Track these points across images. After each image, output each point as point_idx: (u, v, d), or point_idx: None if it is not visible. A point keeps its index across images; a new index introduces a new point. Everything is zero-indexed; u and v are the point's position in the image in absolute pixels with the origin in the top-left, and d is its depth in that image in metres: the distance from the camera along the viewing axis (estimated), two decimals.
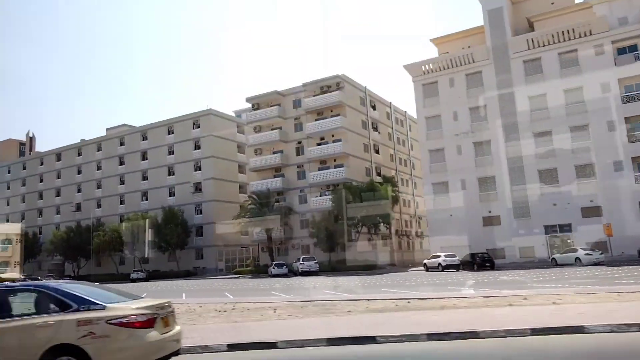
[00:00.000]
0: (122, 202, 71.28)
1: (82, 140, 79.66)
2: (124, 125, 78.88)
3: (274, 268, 47.01)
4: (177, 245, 59.37)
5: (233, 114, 74.80)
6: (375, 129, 60.94)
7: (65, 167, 77.97)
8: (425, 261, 42.05)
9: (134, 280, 56.16)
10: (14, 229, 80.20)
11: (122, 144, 72.50)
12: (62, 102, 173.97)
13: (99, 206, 73.61)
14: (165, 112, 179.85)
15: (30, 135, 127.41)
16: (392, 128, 65.74)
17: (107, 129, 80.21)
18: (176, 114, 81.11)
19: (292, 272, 47.13)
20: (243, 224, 54.69)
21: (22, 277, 54.53)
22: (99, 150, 74.78)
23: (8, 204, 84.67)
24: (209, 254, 62.23)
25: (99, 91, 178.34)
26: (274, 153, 58.90)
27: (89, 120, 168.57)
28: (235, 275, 53.19)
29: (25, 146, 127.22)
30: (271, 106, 59.42)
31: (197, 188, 64.33)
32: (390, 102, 66.27)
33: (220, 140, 65.36)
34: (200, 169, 64.77)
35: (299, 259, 46.34)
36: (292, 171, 57.85)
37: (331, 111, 55.69)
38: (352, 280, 34.04)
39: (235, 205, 64.09)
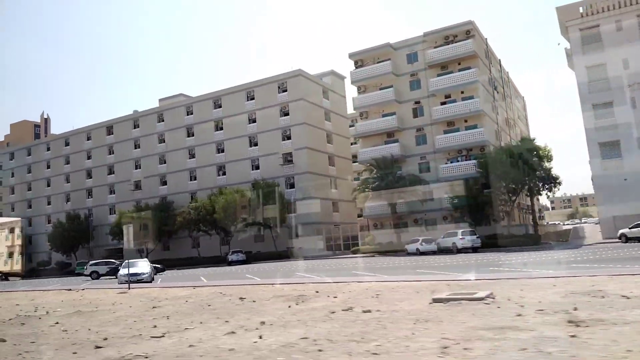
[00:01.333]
0: (193, 178, 63.40)
1: (135, 111, 71.50)
2: (180, 95, 70.75)
3: (421, 244, 39.69)
4: (275, 223, 51.92)
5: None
6: (495, 88, 53.60)
7: (119, 141, 69.79)
8: (624, 231, 34.91)
9: (230, 263, 48.78)
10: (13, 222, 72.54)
11: (189, 112, 64.44)
12: (110, 75, 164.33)
13: (164, 183, 65.67)
14: (220, 81, 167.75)
15: (45, 116, 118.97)
16: (503, 86, 58.36)
17: (160, 100, 72.12)
18: (230, 83, 72.13)
19: (441, 250, 39.78)
20: (360, 198, 47.31)
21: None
22: (160, 121, 66.64)
23: (49, 185, 76.46)
24: (306, 233, 54.77)
25: (150, 61, 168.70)
26: (383, 116, 51.35)
27: (141, 92, 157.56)
28: (355, 255, 45.94)
29: (40, 128, 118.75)
30: (378, 62, 51.77)
31: (287, 159, 56.68)
32: (500, 60, 58.88)
33: (310, 106, 57.61)
34: (289, 138, 57.07)
35: (455, 233, 38.95)
36: (409, 136, 50.36)
37: (459, 64, 48.16)
38: (558, 255, 27.01)
39: (325, 178, 56.83)
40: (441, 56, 48.06)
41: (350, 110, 69.52)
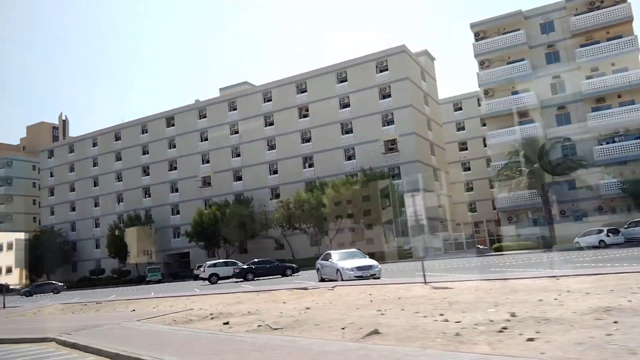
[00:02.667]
0: (273, 172, 56.65)
1: (197, 100, 64.86)
2: (245, 83, 64.29)
3: (607, 236, 33.11)
4: (384, 220, 45.33)
5: None
6: None
7: (181, 133, 62.96)
8: None
9: None
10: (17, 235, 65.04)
11: (267, 99, 57.85)
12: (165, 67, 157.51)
13: (238, 179, 58.84)
14: (287, 70, 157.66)
15: (64, 118, 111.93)
16: None
17: (221, 89, 65.58)
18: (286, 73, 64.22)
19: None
20: (502, 187, 40.91)
21: None
22: (232, 110, 59.96)
23: (96, 184, 69.32)
24: (418, 231, 48.07)
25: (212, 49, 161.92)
26: (513, 94, 45.15)
27: (203, 82, 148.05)
28: (502, 252, 39.34)
29: (59, 130, 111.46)
30: (504, 33, 45.68)
31: (389, 147, 50.22)
32: None
33: (413, 88, 51.33)
34: (390, 123, 50.67)
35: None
36: (548, 115, 44.11)
37: (607, 33, 42.15)
38: None
39: (428, 168, 50.45)
40: (588, 23, 42.03)
41: (442, 94, 63.58)
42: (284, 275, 33.04)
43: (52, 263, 65.43)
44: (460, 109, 66.73)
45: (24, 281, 73.97)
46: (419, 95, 52.79)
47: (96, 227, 68.42)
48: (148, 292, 31.92)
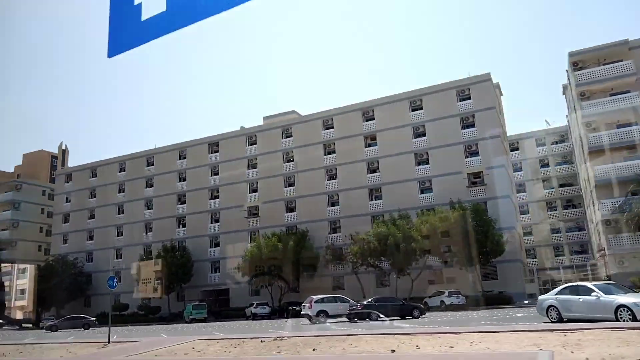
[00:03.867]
0: (333, 204, 51.60)
1: (242, 127, 60.26)
2: (293, 112, 60.33)
3: None
4: (487, 258, 40.37)
5: None
6: None
7: (226, 160, 57.86)
8: None
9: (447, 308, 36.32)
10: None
11: (327, 127, 53.60)
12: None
13: (290, 210, 53.49)
14: (326, 102, 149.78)
15: (63, 147, 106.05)
16: None
17: (265, 118, 61.34)
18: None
19: None
20: (624, 224, 36.62)
21: None
22: (287, 137, 55.38)
23: (121, 212, 62.93)
24: (511, 273, 43.20)
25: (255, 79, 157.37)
26: (619, 127, 41.78)
27: (244, 110, 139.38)
28: None
29: (57, 159, 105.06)
30: (605, 64, 42.91)
31: (472, 181, 46.00)
32: None
33: (496, 118, 47.83)
34: (474, 155, 46.72)
35: None
36: None
37: None
38: None
39: (513, 203, 46.24)
40: None
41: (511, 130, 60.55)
42: (410, 316, 27.39)
43: (63, 296, 57.90)
44: (517, 149, 64.05)
45: (27, 315, 65.54)
46: (500, 127, 49.26)
47: (117, 257, 61.41)
48: (225, 329, 25.96)
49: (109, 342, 19.25)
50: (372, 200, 49.72)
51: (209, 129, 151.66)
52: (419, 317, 27.06)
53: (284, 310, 42.60)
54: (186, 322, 45.82)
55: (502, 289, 42.02)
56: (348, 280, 48.14)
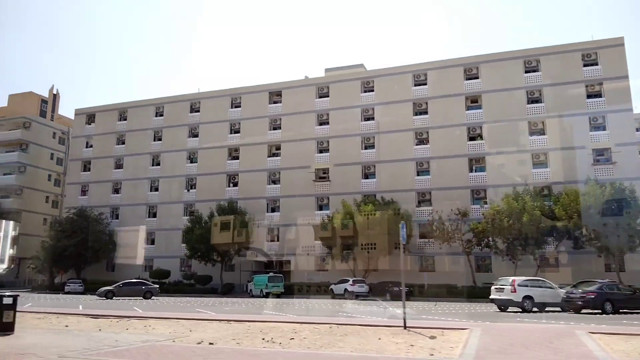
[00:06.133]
0: (422, 172, 44.93)
1: (306, 77, 52.62)
2: (361, 65, 52.87)
3: None
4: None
5: None
6: None
7: (289, 112, 50.23)
8: None
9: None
10: None
11: (419, 83, 46.56)
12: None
13: (368, 176, 46.59)
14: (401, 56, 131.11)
15: (55, 92, 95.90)
16: None
17: (327, 70, 53.79)
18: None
19: None
20: None
21: None
22: (367, 91, 48.05)
23: (157, 162, 54.78)
24: None
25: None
26: None
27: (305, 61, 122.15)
28: None
29: (48, 104, 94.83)
30: None
31: (596, 158, 40.09)
32: None
33: (626, 88, 41.74)
34: (599, 129, 40.72)
35: None
36: None
37: None
38: None
39: None
40: None
41: None
42: None
43: (84, 257, 49.92)
44: None
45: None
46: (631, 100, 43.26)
47: (150, 216, 53.41)
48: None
49: (405, 326, 12.58)
50: (472, 172, 43.31)
51: (264, 76, 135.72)
52: None
53: (385, 289, 36.07)
54: (253, 296, 38.89)
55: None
56: (438, 261, 42.06)
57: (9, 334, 11.39)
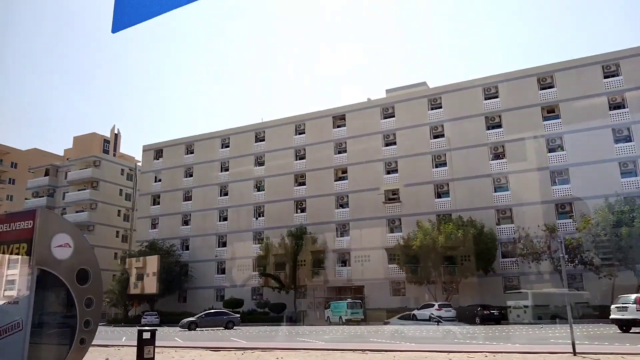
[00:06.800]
0: (497, 189, 43.01)
1: (369, 99, 52.11)
2: (423, 84, 51.76)
3: None
4: None
5: None
6: None
7: (354, 135, 49.68)
8: None
9: None
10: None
11: (489, 96, 45.07)
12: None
13: (441, 195, 45.04)
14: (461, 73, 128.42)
15: (116, 131, 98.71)
16: None
17: (388, 91, 52.91)
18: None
19: None
20: None
21: None
22: (436, 108, 46.94)
23: (222, 195, 55.15)
24: None
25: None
26: None
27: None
28: None
29: (110, 144, 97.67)
30: None
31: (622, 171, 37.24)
32: None
33: None
34: (624, 140, 38.41)
35: None
36: None
37: None
38: None
39: None
40: None
41: None
42: None
43: (159, 289, 50.22)
44: None
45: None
46: None
47: (220, 246, 53.60)
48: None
49: (574, 352, 11.26)
50: (555, 184, 41.05)
51: (326, 102, 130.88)
52: None
53: (474, 313, 34.12)
54: (331, 324, 37.73)
55: None
56: (524, 281, 39.67)
57: None
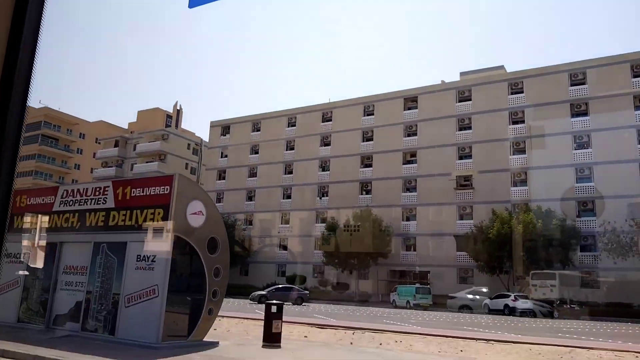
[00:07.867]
0: (579, 179, 40.76)
1: (443, 81, 50.35)
2: (500, 67, 49.26)
3: None
4: None
5: None
6: None
7: (424, 118, 48.19)
8: None
9: None
10: None
11: (576, 83, 42.53)
12: None
13: (518, 183, 43.22)
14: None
15: (178, 107, 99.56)
16: None
17: (462, 74, 50.77)
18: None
19: None
20: None
21: None
22: (516, 93, 44.85)
23: (287, 172, 55.21)
24: None
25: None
26: None
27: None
28: None
29: (172, 119, 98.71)
30: None
31: None
32: None
33: None
34: None
35: None
36: None
37: None
38: None
39: None
40: None
41: None
42: None
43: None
44: None
45: None
46: None
47: (283, 223, 53.90)
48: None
49: None
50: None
51: (393, 83, 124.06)
52: None
53: (552, 307, 32.66)
54: (397, 307, 37.08)
55: None
56: (604, 277, 37.62)
57: (277, 346, 10.62)
